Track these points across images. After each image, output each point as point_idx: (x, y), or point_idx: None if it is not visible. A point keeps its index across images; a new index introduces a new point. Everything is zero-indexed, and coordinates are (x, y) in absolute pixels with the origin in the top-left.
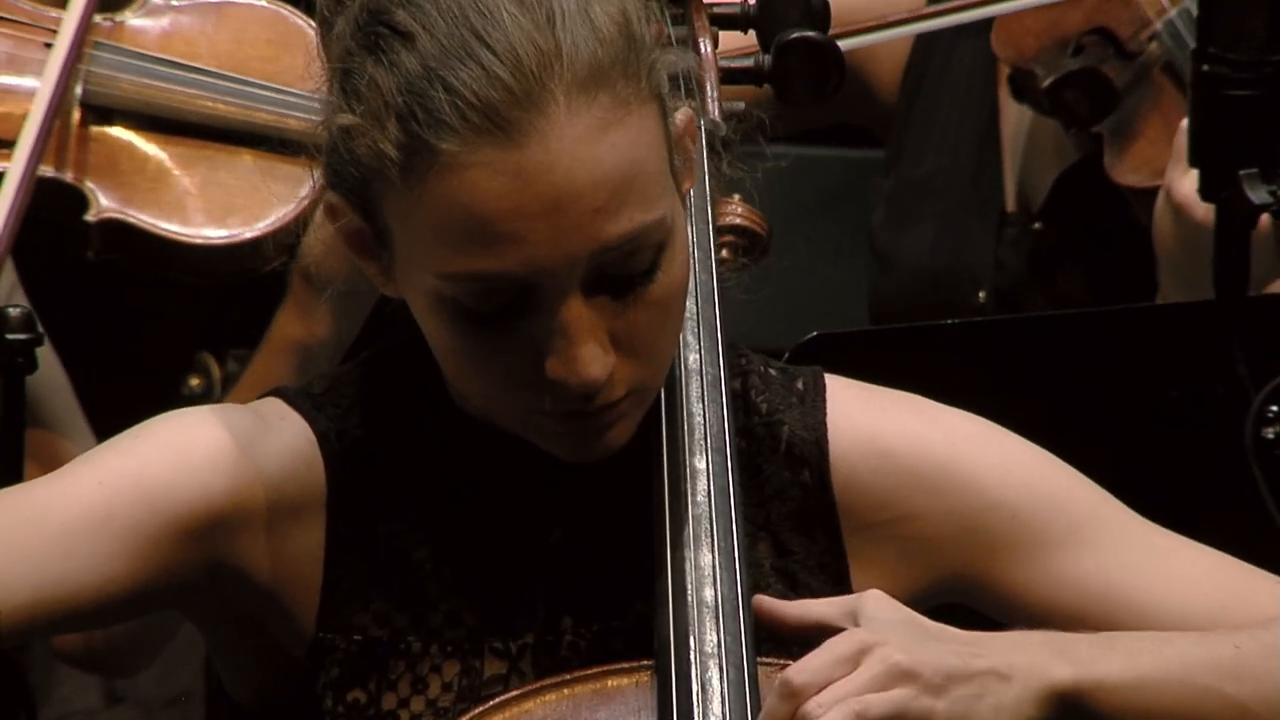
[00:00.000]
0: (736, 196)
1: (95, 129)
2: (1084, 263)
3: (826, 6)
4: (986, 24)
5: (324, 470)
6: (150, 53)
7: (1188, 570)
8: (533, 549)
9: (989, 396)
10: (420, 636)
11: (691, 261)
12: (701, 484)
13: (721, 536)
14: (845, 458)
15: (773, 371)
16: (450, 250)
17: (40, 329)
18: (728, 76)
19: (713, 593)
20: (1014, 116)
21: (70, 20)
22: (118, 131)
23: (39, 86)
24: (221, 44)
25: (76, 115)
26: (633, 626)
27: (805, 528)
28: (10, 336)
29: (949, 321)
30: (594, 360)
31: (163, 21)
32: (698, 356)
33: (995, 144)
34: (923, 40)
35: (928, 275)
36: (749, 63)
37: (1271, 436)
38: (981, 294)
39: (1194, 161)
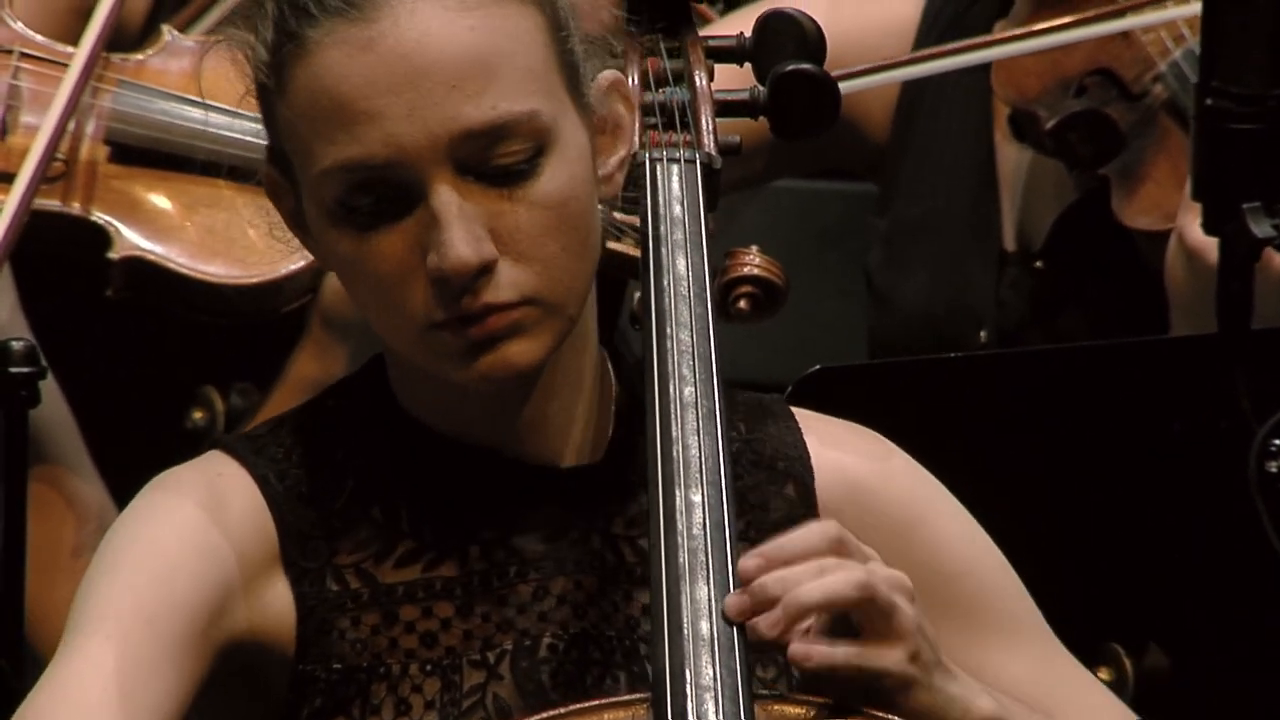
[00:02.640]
0: (754, 247)
1: (119, 167)
2: (1086, 302)
3: (822, 39)
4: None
5: (269, 514)
6: (173, 92)
7: (1086, 700)
8: (504, 558)
9: (993, 430)
10: (398, 659)
11: (685, 288)
12: (697, 517)
13: (717, 570)
14: (826, 481)
15: (738, 397)
16: (321, 142)
17: (43, 362)
18: (724, 109)
19: (708, 626)
20: (1012, 154)
21: (80, 55)
22: (142, 170)
23: (42, 122)
24: (243, 85)
25: (100, 153)
26: (611, 632)
27: None
28: (13, 370)
29: (953, 355)
30: (463, 242)
31: (184, 62)
32: (693, 390)
33: (992, 182)
34: (913, 79)
35: (928, 317)
36: (745, 95)
37: (1275, 470)
38: (983, 334)
39: (1197, 195)
